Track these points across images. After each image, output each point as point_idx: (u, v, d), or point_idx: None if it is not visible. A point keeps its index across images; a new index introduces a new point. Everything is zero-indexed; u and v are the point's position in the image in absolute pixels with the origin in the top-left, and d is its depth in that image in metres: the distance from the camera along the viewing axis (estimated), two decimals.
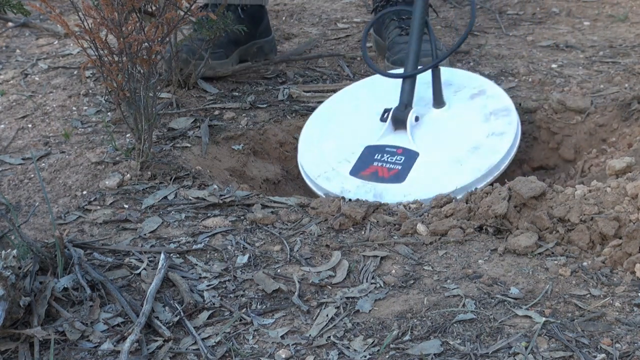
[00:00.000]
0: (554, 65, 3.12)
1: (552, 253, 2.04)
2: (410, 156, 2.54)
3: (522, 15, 3.71)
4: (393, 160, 2.54)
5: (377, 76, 2.80)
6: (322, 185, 2.55)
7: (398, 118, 2.61)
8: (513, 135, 2.56)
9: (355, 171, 2.54)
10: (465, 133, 2.60)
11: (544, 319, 1.80)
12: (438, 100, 2.67)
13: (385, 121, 2.61)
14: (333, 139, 2.66)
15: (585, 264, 2.00)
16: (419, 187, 2.45)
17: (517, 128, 2.59)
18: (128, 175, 2.41)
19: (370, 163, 2.55)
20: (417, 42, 2.66)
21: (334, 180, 2.54)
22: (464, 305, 1.86)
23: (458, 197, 2.33)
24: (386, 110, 2.63)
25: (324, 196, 2.47)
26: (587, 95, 2.84)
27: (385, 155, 2.55)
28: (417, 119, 2.61)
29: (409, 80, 2.63)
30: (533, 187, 2.15)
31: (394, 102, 2.63)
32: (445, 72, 2.72)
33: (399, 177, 2.49)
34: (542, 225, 2.11)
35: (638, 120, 2.70)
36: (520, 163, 2.83)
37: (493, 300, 1.87)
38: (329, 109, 2.79)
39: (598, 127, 2.75)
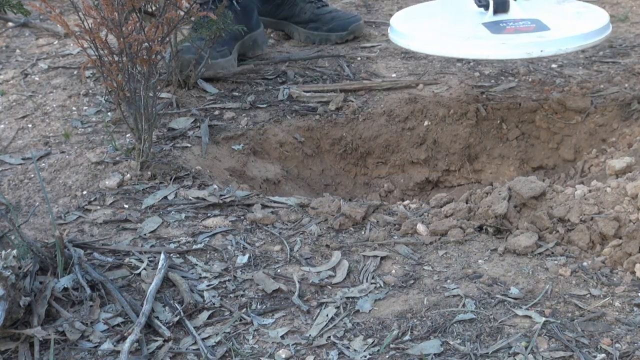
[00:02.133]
0: (553, 65, 3.12)
1: (552, 253, 2.04)
2: (532, 20, 2.63)
3: None
4: (522, 24, 2.63)
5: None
6: (477, 43, 2.59)
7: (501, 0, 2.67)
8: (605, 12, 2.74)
9: (495, 32, 2.61)
10: (558, 8, 2.76)
11: (543, 319, 1.80)
12: None
13: (486, 7, 2.69)
14: (445, 26, 2.73)
15: (585, 264, 2.00)
16: (565, 30, 2.58)
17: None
18: (128, 175, 2.41)
19: (504, 27, 2.62)
20: None
21: (484, 39, 2.59)
22: (464, 305, 1.86)
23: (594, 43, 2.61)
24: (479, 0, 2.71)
25: (475, 57, 2.71)
26: (587, 95, 2.85)
27: (509, 23, 2.63)
28: None
29: None
30: (533, 187, 2.15)
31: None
32: None
33: (541, 27, 2.59)
34: (542, 225, 2.11)
35: (638, 120, 2.70)
36: (520, 163, 2.83)
37: (493, 300, 1.88)
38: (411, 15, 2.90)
39: (598, 127, 2.76)
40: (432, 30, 2.72)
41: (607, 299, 1.87)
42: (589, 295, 1.89)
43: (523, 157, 2.84)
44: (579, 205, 2.09)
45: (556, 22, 2.64)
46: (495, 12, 2.68)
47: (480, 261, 2.02)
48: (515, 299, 1.88)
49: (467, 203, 2.22)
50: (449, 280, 1.96)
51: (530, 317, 1.82)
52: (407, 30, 2.73)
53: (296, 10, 3.46)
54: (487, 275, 1.96)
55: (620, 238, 2.03)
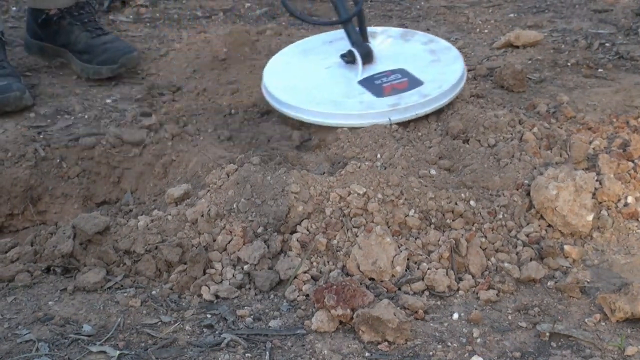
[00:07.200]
0: (108, 100, 3.16)
1: (122, 286, 2.08)
2: (402, 72, 2.67)
3: None
4: (393, 79, 2.65)
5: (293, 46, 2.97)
6: (370, 114, 2.54)
7: (366, 52, 2.74)
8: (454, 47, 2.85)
9: (378, 95, 2.58)
10: (414, 50, 2.84)
11: (118, 352, 1.83)
12: (365, 37, 2.83)
13: (353, 62, 2.74)
14: (320, 92, 2.68)
15: (154, 292, 2.06)
16: (438, 82, 2.61)
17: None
18: None
19: (380, 85, 2.61)
20: None
21: (373, 105, 2.56)
22: (37, 350, 1.84)
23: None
24: (344, 55, 2.77)
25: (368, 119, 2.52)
26: (142, 128, 2.92)
27: (381, 79, 2.65)
28: None
29: (349, 23, 2.81)
30: (97, 222, 2.18)
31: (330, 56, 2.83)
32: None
33: (415, 83, 2.61)
34: (109, 259, 2.14)
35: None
36: (84, 200, 2.84)
37: (67, 341, 1.87)
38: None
39: (155, 157, 2.83)
40: (312, 95, 2.67)
41: (177, 324, 1.95)
42: (160, 323, 1.95)
43: (86, 194, 2.85)
44: (142, 235, 2.15)
45: (421, 70, 2.70)
46: (363, 64, 2.74)
47: (50, 303, 2.01)
48: (88, 336, 1.89)
49: (32, 245, 2.20)
50: (20, 326, 1.92)
51: (105, 352, 1.84)
52: (291, 99, 2.69)
53: (72, 38, 3.29)
54: (58, 316, 1.95)
55: (185, 263, 2.12)
